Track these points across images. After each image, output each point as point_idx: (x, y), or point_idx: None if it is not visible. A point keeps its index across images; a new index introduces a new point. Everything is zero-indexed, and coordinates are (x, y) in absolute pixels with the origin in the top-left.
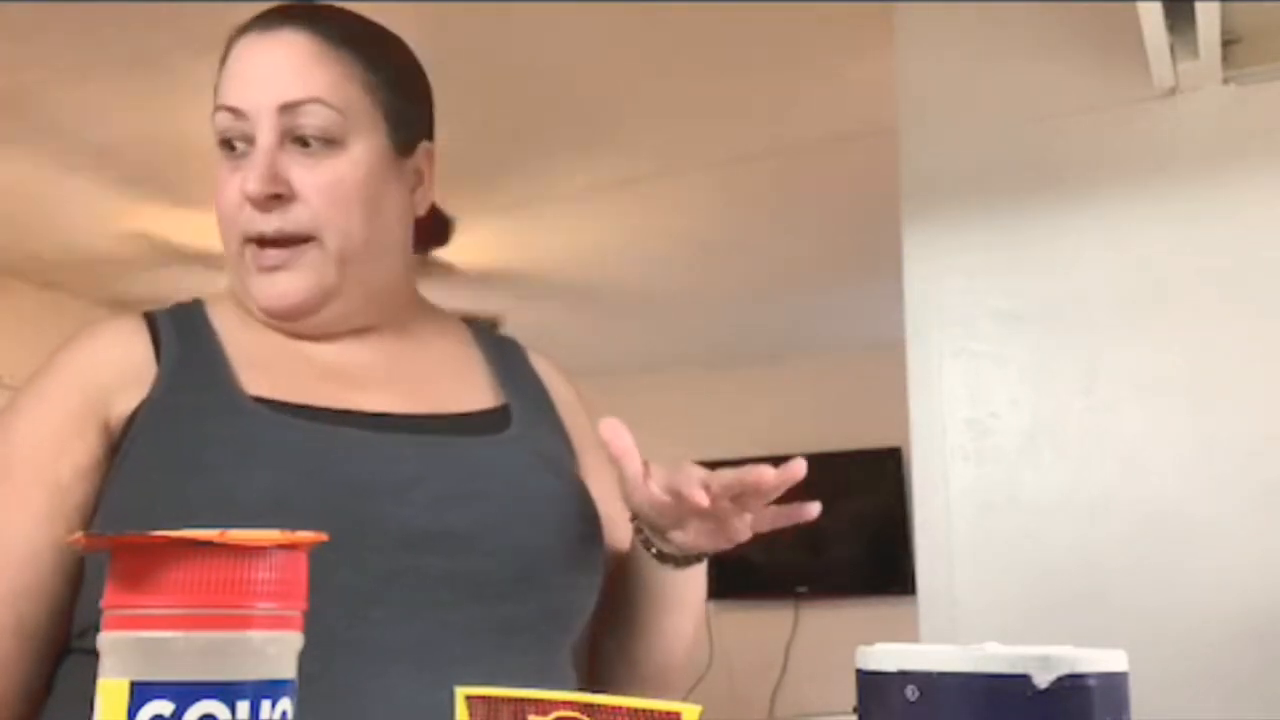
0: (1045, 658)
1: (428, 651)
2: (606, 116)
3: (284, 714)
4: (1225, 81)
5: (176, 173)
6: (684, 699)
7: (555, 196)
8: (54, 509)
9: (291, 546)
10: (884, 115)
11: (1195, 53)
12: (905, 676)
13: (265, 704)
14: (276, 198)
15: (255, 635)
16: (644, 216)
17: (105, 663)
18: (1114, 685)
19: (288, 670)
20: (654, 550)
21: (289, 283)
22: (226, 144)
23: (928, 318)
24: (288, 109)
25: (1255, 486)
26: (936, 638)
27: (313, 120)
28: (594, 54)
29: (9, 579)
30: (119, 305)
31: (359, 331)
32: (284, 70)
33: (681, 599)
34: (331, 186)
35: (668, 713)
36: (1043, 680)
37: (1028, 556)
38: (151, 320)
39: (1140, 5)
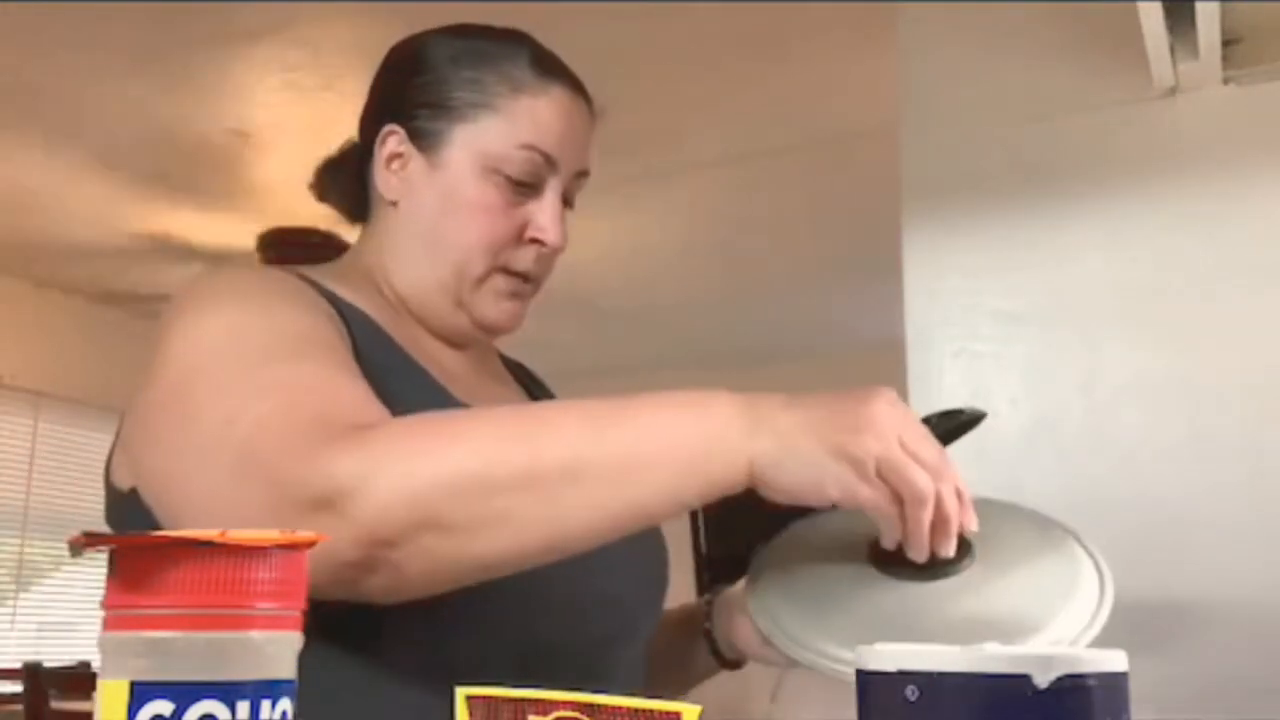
0: (1045, 658)
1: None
2: (606, 116)
3: (284, 714)
4: (1225, 81)
5: (190, 171)
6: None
7: None
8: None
9: (291, 546)
10: (884, 115)
11: (1195, 53)
12: (905, 676)
13: (265, 704)
14: None
15: (255, 635)
16: (645, 215)
17: (105, 663)
18: (1114, 685)
19: (288, 670)
20: (713, 649)
21: (518, 309)
22: (518, 181)
23: (928, 318)
24: (578, 176)
25: (1255, 486)
26: None
27: (577, 189)
28: (594, 54)
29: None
30: (121, 302)
31: None
32: (586, 141)
33: (705, 675)
34: (564, 246)
35: (667, 713)
36: (1043, 680)
37: None
38: (314, 284)
39: (1140, 5)
